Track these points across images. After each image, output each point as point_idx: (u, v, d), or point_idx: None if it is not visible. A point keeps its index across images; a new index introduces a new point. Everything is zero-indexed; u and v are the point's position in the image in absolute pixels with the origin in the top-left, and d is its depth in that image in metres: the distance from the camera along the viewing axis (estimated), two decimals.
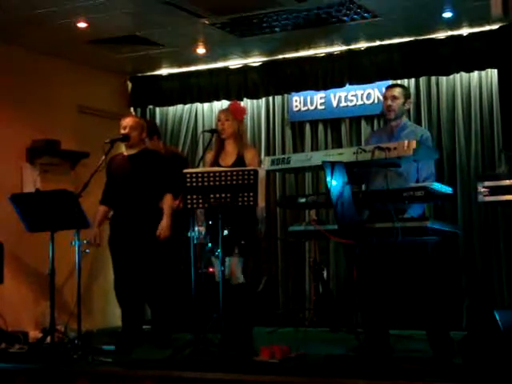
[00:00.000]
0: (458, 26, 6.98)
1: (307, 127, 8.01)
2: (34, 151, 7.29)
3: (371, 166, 4.84)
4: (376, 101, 7.60)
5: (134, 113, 8.50)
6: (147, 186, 5.81)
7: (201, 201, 5.08)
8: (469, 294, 7.03)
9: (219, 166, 5.52)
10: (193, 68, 8.26)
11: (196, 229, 6.18)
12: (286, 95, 8.09)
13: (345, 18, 6.68)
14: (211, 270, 6.21)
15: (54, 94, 7.61)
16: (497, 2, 4.87)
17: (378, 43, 7.40)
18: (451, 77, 7.31)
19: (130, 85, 8.62)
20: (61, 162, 7.47)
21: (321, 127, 7.94)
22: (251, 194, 4.98)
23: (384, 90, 5.47)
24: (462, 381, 3.95)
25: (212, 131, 5.78)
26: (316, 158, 4.85)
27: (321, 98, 7.91)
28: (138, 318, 5.94)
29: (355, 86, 7.66)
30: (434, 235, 4.76)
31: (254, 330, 5.60)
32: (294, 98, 8.04)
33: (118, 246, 5.89)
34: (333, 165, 4.54)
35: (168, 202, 5.82)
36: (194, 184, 5.05)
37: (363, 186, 5.30)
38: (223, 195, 5.03)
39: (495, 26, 6.74)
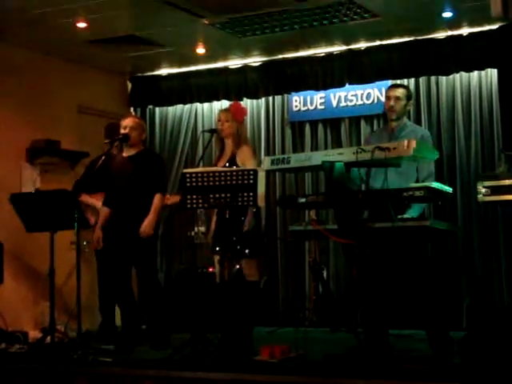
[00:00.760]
0: (458, 26, 6.98)
1: (307, 127, 8.00)
2: (34, 151, 7.29)
3: (371, 165, 4.83)
4: (376, 101, 7.60)
5: (133, 113, 8.50)
6: (147, 186, 5.80)
7: (200, 201, 5.08)
8: (468, 294, 7.03)
9: (216, 166, 5.54)
10: (192, 68, 8.26)
11: (196, 229, 6.20)
12: (285, 95, 8.09)
13: (344, 18, 6.68)
14: (211, 269, 6.22)
15: (54, 93, 7.62)
16: (496, 2, 4.87)
17: (377, 43, 7.40)
18: (451, 77, 7.31)
19: (129, 85, 8.62)
20: (60, 161, 7.47)
21: (320, 127, 7.94)
22: (251, 193, 4.98)
23: (387, 89, 5.47)
24: (461, 381, 3.94)
25: (211, 131, 5.78)
26: (316, 158, 4.85)
27: (320, 97, 7.91)
28: (137, 318, 5.93)
29: (355, 86, 7.66)
30: (434, 235, 4.76)
31: (253, 330, 5.60)
32: (294, 98, 8.04)
33: (114, 245, 5.85)
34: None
35: (157, 201, 5.81)
36: (194, 184, 5.04)
37: (363, 186, 5.30)
38: (223, 195, 5.02)
39: (495, 26, 6.76)
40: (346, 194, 4.67)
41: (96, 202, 6.34)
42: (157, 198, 5.80)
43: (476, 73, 7.21)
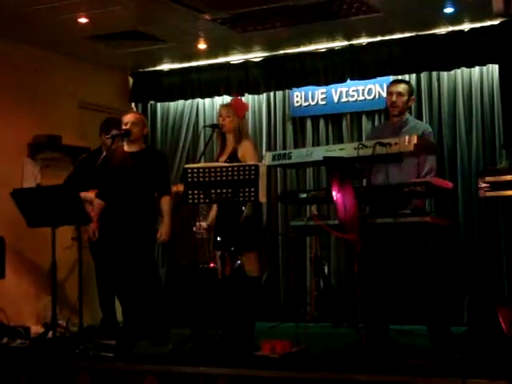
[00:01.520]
0: (459, 22, 6.98)
1: (308, 122, 8.00)
2: (36, 146, 7.31)
3: (372, 161, 4.84)
4: (377, 96, 7.60)
5: (135, 108, 8.51)
6: (147, 184, 5.82)
7: (202, 196, 5.09)
8: (469, 290, 7.04)
9: (218, 161, 5.54)
10: (194, 63, 8.25)
11: (198, 224, 6.20)
12: (287, 90, 8.09)
13: (346, 13, 6.67)
14: (212, 265, 6.23)
15: (56, 89, 7.62)
16: None
17: (379, 38, 7.39)
18: (452, 72, 7.31)
19: (131, 80, 8.62)
20: (62, 157, 7.48)
21: (322, 122, 7.94)
22: (252, 189, 4.98)
23: (389, 84, 5.46)
24: (462, 376, 3.95)
25: (213, 126, 5.78)
26: (317, 153, 4.86)
27: (322, 93, 7.91)
28: (139, 314, 5.94)
29: (356, 82, 7.66)
30: (435, 230, 4.76)
31: (255, 325, 5.61)
32: (295, 94, 8.04)
33: (111, 241, 5.86)
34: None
35: (168, 205, 5.83)
36: (196, 179, 5.05)
37: (364, 182, 5.31)
38: (224, 190, 5.03)
39: (496, 22, 6.75)
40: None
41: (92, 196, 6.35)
42: (166, 201, 5.83)
43: (477, 68, 7.21)
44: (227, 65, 8.13)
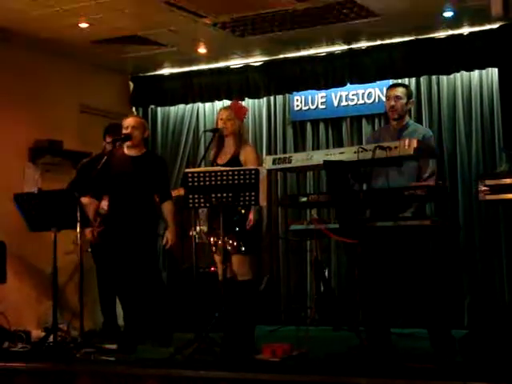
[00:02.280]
0: (459, 26, 6.99)
1: (308, 126, 8.02)
2: (37, 151, 7.32)
3: (372, 165, 4.85)
4: (377, 100, 7.62)
5: (135, 112, 8.53)
6: (147, 188, 5.83)
7: (202, 200, 5.09)
8: (470, 292, 7.04)
9: (217, 164, 5.54)
10: (194, 68, 8.27)
11: (198, 228, 6.21)
12: (287, 95, 8.11)
13: (345, 18, 6.69)
14: (213, 269, 6.23)
15: (57, 93, 7.63)
16: (497, 2, 4.89)
17: (378, 42, 7.41)
18: (452, 76, 7.32)
19: (131, 85, 8.64)
20: (62, 161, 7.49)
21: (322, 126, 7.96)
22: (252, 193, 4.99)
23: (387, 89, 5.47)
24: (463, 379, 3.95)
25: (214, 131, 5.78)
26: (317, 157, 4.87)
27: (322, 97, 7.92)
28: (140, 317, 5.95)
29: (356, 86, 7.68)
30: (435, 234, 4.77)
31: (255, 329, 5.62)
32: (295, 98, 8.06)
33: (113, 245, 5.87)
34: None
35: (171, 210, 5.84)
36: (196, 184, 5.06)
37: (364, 185, 5.31)
38: (224, 195, 5.04)
39: (495, 26, 6.77)
40: (348, 192, 4.68)
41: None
42: (168, 207, 5.86)
43: (477, 72, 7.23)
44: (227, 69, 8.15)
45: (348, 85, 7.66)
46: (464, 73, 7.27)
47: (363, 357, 4.58)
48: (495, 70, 7.00)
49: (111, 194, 5.93)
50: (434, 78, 7.43)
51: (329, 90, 7.82)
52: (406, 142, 4.55)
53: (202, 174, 5.06)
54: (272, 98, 8.20)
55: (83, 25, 6.74)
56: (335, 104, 7.87)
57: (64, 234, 5.77)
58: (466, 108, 7.28)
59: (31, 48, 7.26)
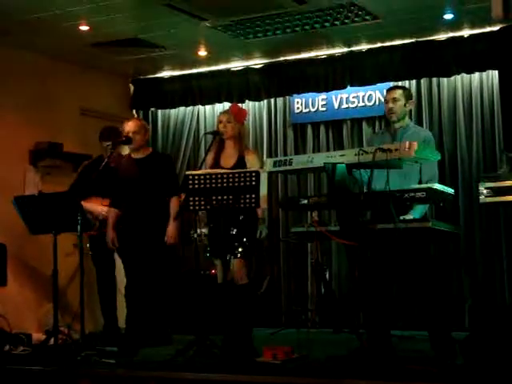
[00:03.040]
0: (459, 28, 7.00)
1: (309, 129, 8.02)
2: (38, 153, 7.33)
3: (373, 167, 4.84)
4: (377, 102, 7.62)
5: (135, 115, 8.53)
6: (157, 189, 5.85)
7: (203, 203, 5.10)
8: (470, 294, 7.04)
9: (220, 167, 5.54)
10: (194, 70, 8.28)
11: (198, 231, 6.21)
12: (287, 97, 8.11)
13: (346, 20, 6.69)
14: (213, 271, 6.23)
15: (57, 96, 7.64)
16: (497, 4, 4.88)
17: (379, 45, 7.42)
18: (452, 78, 7.33)
19: (132, 87, 8.65)
20: (63, 164, 7.49)
21: (322, 129, 7.96)
22: (253, 195, 4.99)
23: (385, 93, 5.48)
24: (464, 381, 3.95)
25: (214, 133, 5.78)
26: (318, 159, 4.86)
27: (322, 99, 7.93)
28: (143, 320, 5.96)
29: (356, 88, 7.68)
30: (436, 236, 4.77)
31: (256, 332, 5.61)
32: (296, 100, 8.06)
33: (129, 249, 5.91)
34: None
35: (175, 206, 5.85)
36: (197, 186, 5.06)
37: (365, 188, 5.31)
38: (225, 197, 5.04)
39: (496, 28, 6.76)
40: (348, 195, 4.68)
41: (94, 206, 6.37)
42: (174, 203, 5.86)
43: (477, 74, 7.23)
44: (228, 72, 8.16)
45: (348, 87, 7.67)
46: (464, 75, 7.27)
47: (364, 359, 4.57)
48: (496, 73, 6.99)
49: (122, 198, 5.95)
50: (434, 80, 7.43)
51: (329, 93, 7.83)
52: (407, 144, 4.54)
53: (202, 177, 5.07)
54: (272, 100, 8.20)
55: (84, 27, 6.75)
56: (336, 106, 7.87)
57: (64, 236, 5.78)
58: (467, 110, 7.29)
59: (32, 51, 7.27)
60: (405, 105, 5.25)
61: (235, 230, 5.35)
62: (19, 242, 6.67)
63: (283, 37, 7.13)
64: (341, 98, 7.83)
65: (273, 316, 7.58)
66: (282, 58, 7.87)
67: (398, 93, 5.24)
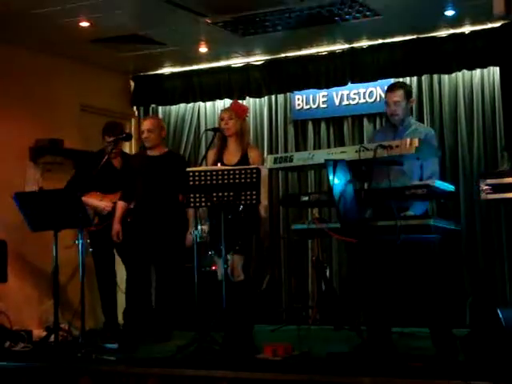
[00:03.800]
0: (460, 24, 6.99)
1: (310, 126, 8.01)
2: (38, 150, 7.32)
3: (374, 164, 4.84)
4: (378, 99, 7.61)
5: (136, 112, 8.55)
6: (170, 188, 5.88)
7: (203, 199, 5.10)
8: (472, 292, 7.03)
9: (223, 164, 5.54)
10: (195, 67, 8.27)
11: (199, 227, 6.21)
12: (288, 94, 8.10)
13: (347, 17, 6.68)
14: (214, 268, 6.23)
15: (57, 93, 7.63)
16: (499, 0, 4.88)
17: (380, 41, 7.41)
18: (453, 75, 7.31)
19: (132, 84, 8.64)
20: (63, 160, 7.49)
21: (323, 125, 7.95)
22: (254, 192, 5.00)
23: (385, 93, 5.43)
24: (464, 378, 3.95)
25: (215, 130, 5.79)
26: (318, 156, 4.85)
27: (323, 96, 7.92)
28: (144, 316, 5.98)
29: (357, 85, 7.67)
30: (437, 233, 4.76)
31: (256, 328, 5.61)
32: (297, 97, 8.05)
33: (135, 244, 5.93)
34: (335, 163, 4.54)
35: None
36: (197, 182, 5.07)
37: (365, 184, 5.30)
38: (226, 194, 5.04)
39: (497, 24, 6.77)
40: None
41: (95, 201, 6.38)
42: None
43: (478, 71, 7.22)
44: (228, 68, 8.15)
45: (349, 84, 7.66)
46: (465, 72, 7.26)
47: (365, 356, 4.57)
48: (497, 69, 6.99)
49: (135, 194, 5.97)
50: (435, 76, 7.42)
51: (330, 89, 7.81)
52: (408, 141, 4.54)
53: (203, 173, 5.07)
54: (273, 97, 8.19)
55: (84, 24, 6.74)
56: (336, 103, 7.86)
57: (65, 232, 5.77)
58: (468, 107, 7.27)
59: (31, 47, 7.26)
60: (406, 104, 5.24)
61: (233, 225, 5.34)
62: (20, 238, 6.66)
63: (284, 33, 7.11)
64: (342, 94, 7.82)
65: (273, 313, 7.58)
66: (282, 55, 7.85)
67: (399, 94, 5.19)
